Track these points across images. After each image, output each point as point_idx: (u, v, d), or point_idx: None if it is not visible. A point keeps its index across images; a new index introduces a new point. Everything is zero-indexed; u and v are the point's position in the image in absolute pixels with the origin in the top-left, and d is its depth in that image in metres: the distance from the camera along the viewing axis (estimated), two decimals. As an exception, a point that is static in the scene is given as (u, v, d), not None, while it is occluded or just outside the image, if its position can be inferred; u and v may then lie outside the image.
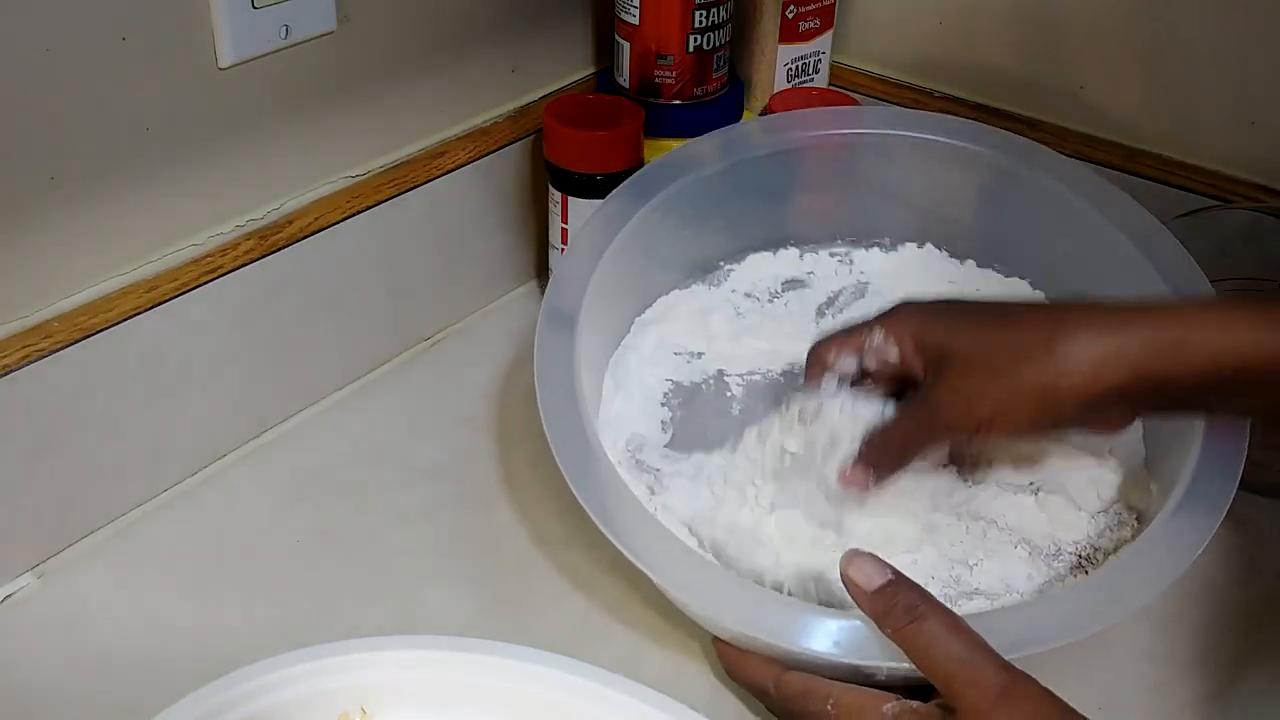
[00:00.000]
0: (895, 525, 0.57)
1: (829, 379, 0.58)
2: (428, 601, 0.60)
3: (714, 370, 0.68)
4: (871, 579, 0.48)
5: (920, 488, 0.58)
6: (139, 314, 0.59)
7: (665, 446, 0.63)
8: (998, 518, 0.59)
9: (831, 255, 0.74)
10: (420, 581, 0.61)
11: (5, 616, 0.58)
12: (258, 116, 0.62)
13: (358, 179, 0.68)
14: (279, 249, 0.64)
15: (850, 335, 0.58)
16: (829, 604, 0.54)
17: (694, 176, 0.66)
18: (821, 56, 0.84)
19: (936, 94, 0.84)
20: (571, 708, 0.48)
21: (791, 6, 0.80)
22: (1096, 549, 0.58)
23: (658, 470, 0.61)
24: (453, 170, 0.72)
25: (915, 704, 0.47)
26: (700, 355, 0.68)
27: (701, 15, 0.74)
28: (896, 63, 0.86)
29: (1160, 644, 0.59)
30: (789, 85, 0.83)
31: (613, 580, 0.60)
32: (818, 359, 0.59)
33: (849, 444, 0.56)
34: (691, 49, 0.75)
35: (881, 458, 0.55)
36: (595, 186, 0.70)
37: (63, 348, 0.57)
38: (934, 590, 0.49)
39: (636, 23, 0.75)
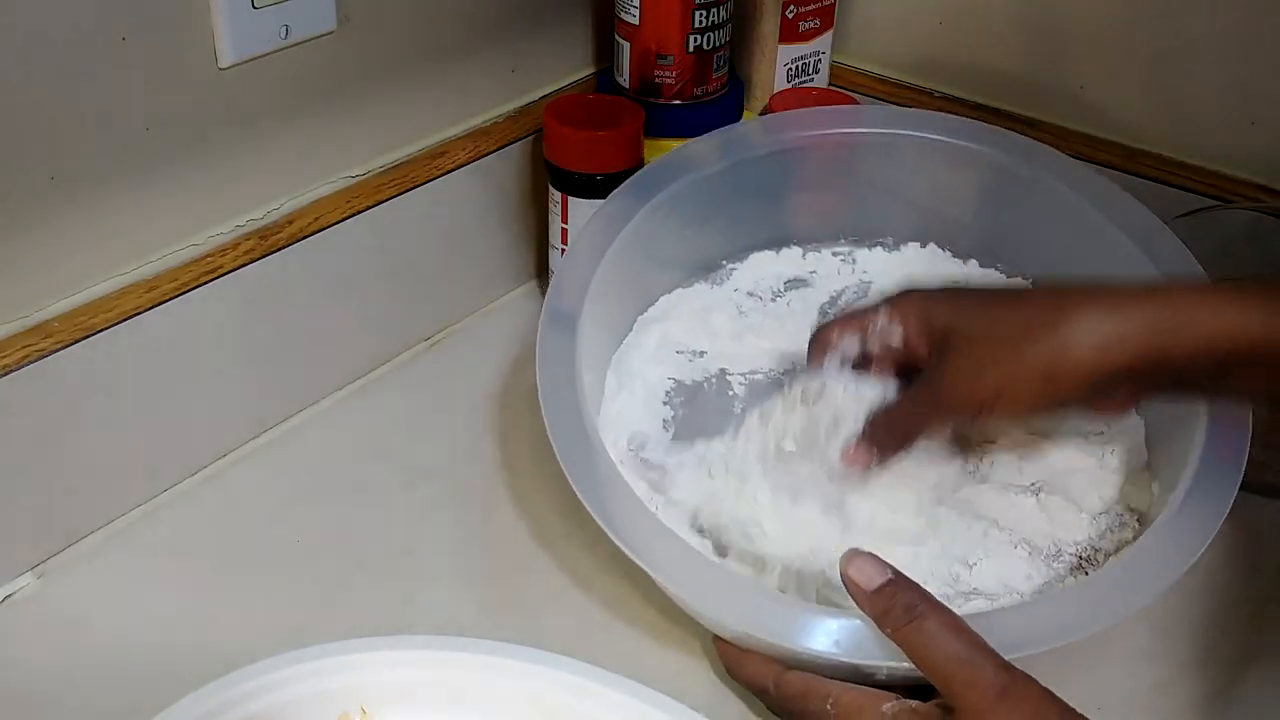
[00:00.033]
0: (898, 514, 0.56)
1: (832, 359, 0.58)
2: (428, 601, 0.60)
3: (716, 369, 0.68)
4: (871, 579, 0.48)
5: (924, 480, 0.57)
6: (139, 314, 0.59)
7: (670, 441, 0.63)
8: (999, 517, 0.59)
9: (834, 254, 0.74)
10: (420, 581, 0.61)
11: (5, 616, 0.58)
12: (257, 116, 0.62)
13: (358, 179, 0.68)
14: (279, 249, 0.64)
15: (854, 318, 0.58)
16: (830, 588, 0.54)
17: (695, 176, 0.66)
18: (821, 56, 0.84)
19: (936, 94, 0.84)
20: (571, 708, 0.48)
21: (791, 6, 0.80)
22: (1097, 550, 0.58)
23: (662, 466, 0.61)
24: (453, 170, 0.72)
25: (915, 703, 0.47)
26: (703, 354, 0.68)
27: (701, 15, 0.74)
28: (896, 63, 0.86)
29: (1160, 644, 0.59)
30: (789, 85, 0.83)
31: (613, 579, 0.60)
32: (821, 341, 0.59)
33: (852, 424, 0.55)
34: (691, 49, 0.75)
35: (885, 437, 0.55)
36: (595, 186, 0.70)
37: (63, 348, 0.57)
38: (932, 589, 0.49)
39: (636, 23, 0.75)
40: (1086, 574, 0.57)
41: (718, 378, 0.68)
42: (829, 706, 0.49)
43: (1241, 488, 0.53)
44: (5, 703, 0.54)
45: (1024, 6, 0.79)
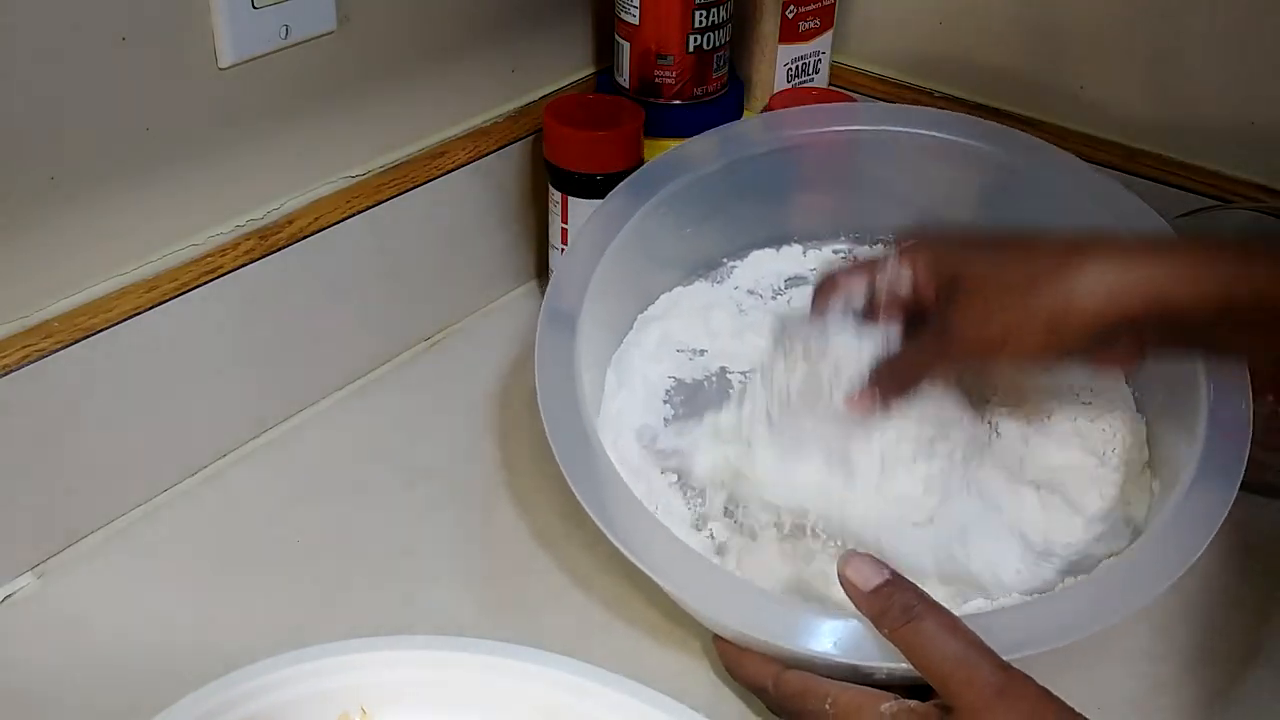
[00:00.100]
0: (903, 477, 0.56)
1: (837, 305, 0.58)
2: (428, 601, 0.60)
3: (716, 367, 0.68)
4: (868, 579, 0.48)
5: (925, 430, 0.57)
6: (139, 314, 0.59)
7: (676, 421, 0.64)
8: (1001, 501, 0.58)
9: (835, 252, 0.74)
10: (420, 581, 0.61)
11: (5, 616, 0.58)
12: (258, 116, 0.62)
13: (358, 179, 0.68)
14: (279, 249, 0.64)
15: (861, 265, 0.58)
16: (837, 532, 0.55)
17: (695, 174, 0.66)
18: (821, 56, 0.84)
19: (936, 94, 0.84)
20: (571, 708, 0.48)
21: (791, 6, 0.80)
22: (1086, 556, 0.57)
23: (678, 451, 0.61)
24: (453, 170, 0.72)
25: (913, 703, 0.47)
26: (703, 352, 0.68)
27: (701, 15, 0.74)
28: (896, 63, 0.86)
29: (1160, 644, 0.59)
30: (789, 85, 0.83)
31: (613, 579, 0.60)
32: (827, 287, 0.59)
33: (855, 373, 0.56)
34: (691, 49, 0.75)
35: (889, 382, 0.55)
36: (595, 186, 0.70)
37: (63, 348, 0.57)
38: (926, 561, 0.49)
39: (636, 23, 0.75)
40: (1074, 578, 0.56)
41: (718, 376, 0.68)
42: (828, 706, 0.49)
43: (1241, 488, 0.53)
44: (5, 703, 0.54)
45: (1024, 6, 0.79)
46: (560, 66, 0.79)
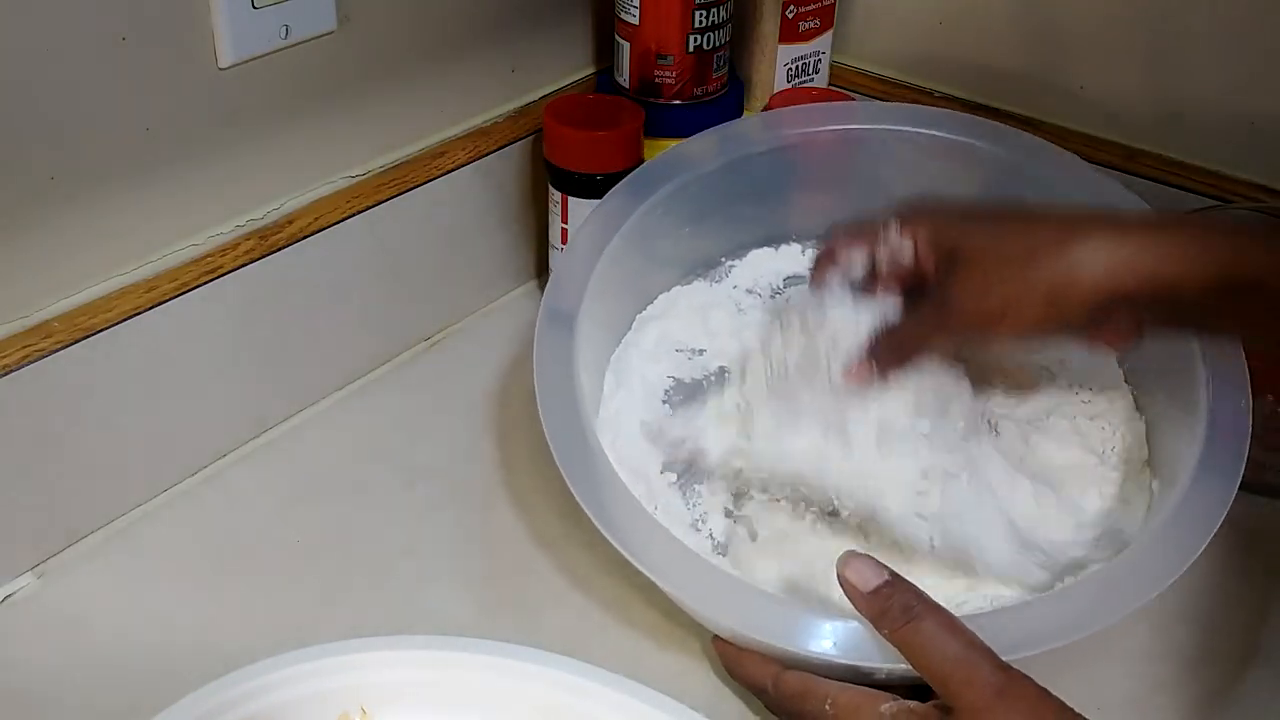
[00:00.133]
0: (900, 448, 0.56)
1: (836, 277, 0.58)
2: (428, 601, 0.60)
3: (715, 367, 0.68)
4: (868, 580, 0.48)
5: (924, 400, 0.57)
6: (139, 314, 0.59)
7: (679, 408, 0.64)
8: (997, 486, 0.58)
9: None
10: (420, 581, 0.61)
11: (5, 616, 0.58)
12: (258, 116, 0.62)
13: (358, 179, 0.68)
14: (279, 249, 0.64)
15: (861, 234, 0.58)
16: (832, 497, 0.56)
17: (693, 174, 0.66)
18: (821, 56, 0.84)
19: (937, 94, 0.84)
20: (571, 708, 0.48)
21: (791, 6, 0.80)
22: (1071, 558, 0.57)
23: (686, 437, 0.61)
24: (453, 170, 0.72)
25: (912, 704, 0.47)
26: (702, 352, 0.68)
27: (701, 15, 0.74)
28: (896, 63, 0.86)
29: (1160, 644, 0.59)
30: (789, 85, 0.83)
31: (613, 579, 0.60)
32: (827, 258, 0.59)
33: (853, 344, 0.56)
34: (691, 49, 0.75)
35: (888, 354, 0.55)
36: (595, 186, 0.70)
37: (63, 348, 0.57)
38: (922, 535, 0.49)
39: (636, 23, 0.75)
40: (1062, 580, 0.57)
41: (717, 375, 0.67)
42: (827, 707, 0.49)
43: (1241, 488, 0.53)
44: (5, 703, 0.54)
45: (1024, 6, 0.79)
46: (560, 66, 0.79)
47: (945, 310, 0.54)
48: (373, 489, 0.66)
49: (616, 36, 0.77)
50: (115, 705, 0.53)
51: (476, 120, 0.74)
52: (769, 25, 0.80)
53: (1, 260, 0.54)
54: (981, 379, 0.63)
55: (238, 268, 0.63)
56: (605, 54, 0.81)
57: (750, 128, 0.72)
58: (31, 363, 0.56)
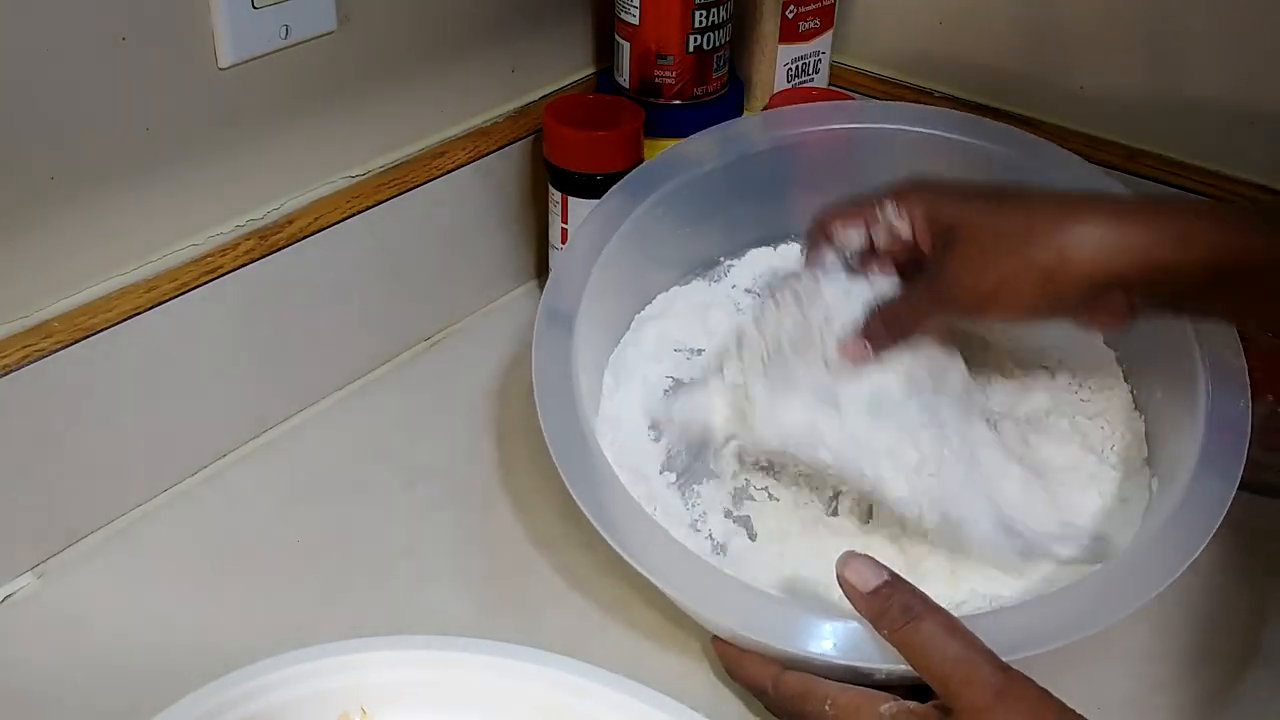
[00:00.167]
0: (895, 423, 0.56)
1: (830, 253, 0.58)
2: (428, 601, 0.60)
3: (715, 360, 0.68)
4: (867, 580, 0.48)
5: (919, 377, 0.57)
6: (139, 314, 0.59)
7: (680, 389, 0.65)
8: (988, 466, 0.58)
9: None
10: (420, 581, 0.61)
11: (5, 616, 0.58)
12: (258, 116, 0.62)
13: (358, 179, 0.68)
14: (279, 249, 0.64)
15: (856, 210, 0.58)
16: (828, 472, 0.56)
17: (692, 173, 0.66)
18: (821, 56, 0.84)
19: (937, 94, 0.84)
20: (571, 708, 0.48)
21: (791, 6, 0.80)
22: (1051, 554, 0.57)
23: (689, 420, 0.62)
24: (453, 170, 0.72)
25: (912, 704, 0.47)
26: (701, 351, 0.68)
27: (701, 15, 0.74)
28: (896, 63, 0.86)
29: (1160, 644, 0.59)
30: (789, 85, 0.83)
31: (613, 580, 0.60)
32: (821, 233, 0.59)
33: (847, 321, 0.56)
34: (691, 49, 0.75)
35: (882, 331, 0.55)
36: (595, 186, 0.70)
37: (63, 348, 0.57)
38: (915, 510, 0.49)
39: (636, 23, 0.75)
40: (1039, 571, 0.57)
41: (717, 357, 0.67)
42: (827, 707, 0.49)
43: (1241, 487, 0.53)
44: (5, 703, 0.54)
45: (1024, 6, 0.79)
46: (560, 66, 0.79)
47: (941, 287, 0.54)
48: (373, 489, 0.66)
49: (616, 36, 0.77)
50: (115, 705, 0.53)
51: (476, 120, 0.74)
52: (769, 25, 0.80)
53: (1, 260, 0.54)
54: (981, 378, 0.63)
55: (238, 268, 0.63)
56: (605, 54, 0.81)
57: (750, 127, 0.72)
58: (31, 363, 0.56)
